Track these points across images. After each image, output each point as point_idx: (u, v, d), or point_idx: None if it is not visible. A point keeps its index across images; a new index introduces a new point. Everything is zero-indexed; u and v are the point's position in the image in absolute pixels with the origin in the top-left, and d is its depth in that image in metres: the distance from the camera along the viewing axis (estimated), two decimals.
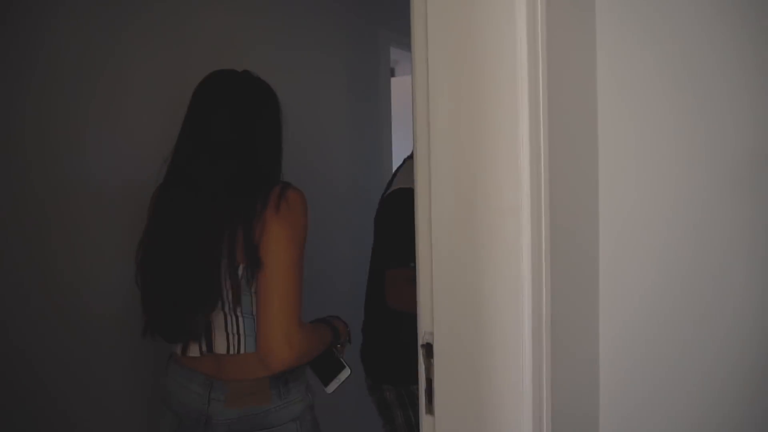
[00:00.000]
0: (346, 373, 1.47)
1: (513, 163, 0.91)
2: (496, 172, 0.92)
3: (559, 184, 0.92)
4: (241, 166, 1.34)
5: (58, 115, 1.67)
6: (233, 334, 1.34)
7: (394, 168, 2.87)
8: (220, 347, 1.35)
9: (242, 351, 1.35)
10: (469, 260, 0.95)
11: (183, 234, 1.33)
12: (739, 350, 1.06)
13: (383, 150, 2.68)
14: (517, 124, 0.90)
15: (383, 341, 1.99)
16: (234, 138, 1.34)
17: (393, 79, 2.85)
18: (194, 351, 1.37)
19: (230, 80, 1.40)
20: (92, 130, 1.75)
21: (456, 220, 0.96)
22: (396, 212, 1.80)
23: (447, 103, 0.97)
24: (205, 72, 1.42)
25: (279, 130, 1.44)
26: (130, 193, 1.71)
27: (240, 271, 1.30)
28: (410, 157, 1.94)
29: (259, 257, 1.28)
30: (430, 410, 1.00)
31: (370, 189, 2.64)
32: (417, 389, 1.05)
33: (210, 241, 1.29)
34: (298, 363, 1.33)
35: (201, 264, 1.30)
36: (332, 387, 1.47)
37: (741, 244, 1.06)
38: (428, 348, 1.02)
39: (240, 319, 1.34)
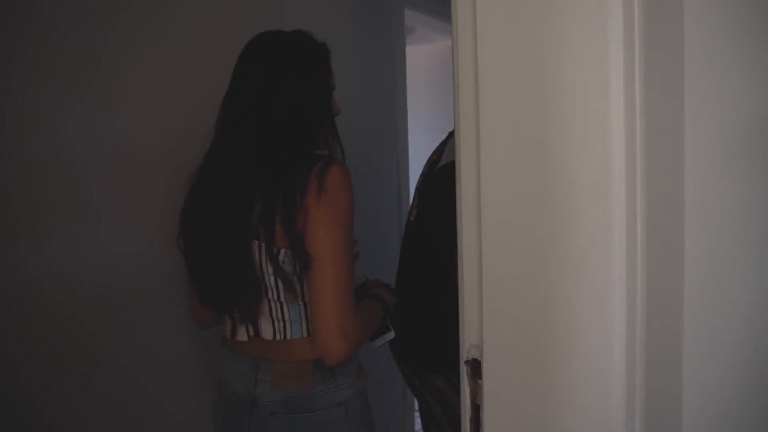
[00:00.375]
0: (391, 335, 1.51)
1: (599, 119, 0.66)
2: (574, 130, 0.68)
3: (654, 151, 0.67)
4: (287, 138, 1.27)
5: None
6: (278, 320, 1.32)
7: (411, 145, 2.64)
8: (266, 333, 1.33)
9: (288, 337, 1.32)
10: (533, 251, 0.70)
11: (217, 210, 1.29)
12: None
13: (398, 127, 2.43)
14: (608, 63, 0.65)
15: (430, 326, 1.75)
16: (285, 106, 1.28)
17: (409, 48, 2.59)
18: (242, 335, 1.36)
19: (276, 41, 1.33)
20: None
21: (515, 198, 0.72)
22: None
23: (501, 37, 0.72)
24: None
25: (330, 99, 1.36)
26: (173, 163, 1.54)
27: (281, 256, 1.25)
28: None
29: (306, 250, 1.22)
30: None
31: (383, 166, 2.40)
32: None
33: (241, 223, 1.25)
34: (356, 352, 1.31)
35: (233, 246, 1.27)
36: (377, 343, 1.51)
37: None
38: (474, 365, 0.78)
39: (285, 305, 1.31)
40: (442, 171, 1.65)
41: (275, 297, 1.30)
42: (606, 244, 0.66)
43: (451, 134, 1.76)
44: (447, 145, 1.72)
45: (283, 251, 1.24)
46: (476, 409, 0.78)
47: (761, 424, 0.70)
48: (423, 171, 1.82)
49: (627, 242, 0.66)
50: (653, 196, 0.66)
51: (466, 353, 0.79)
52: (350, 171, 1.26)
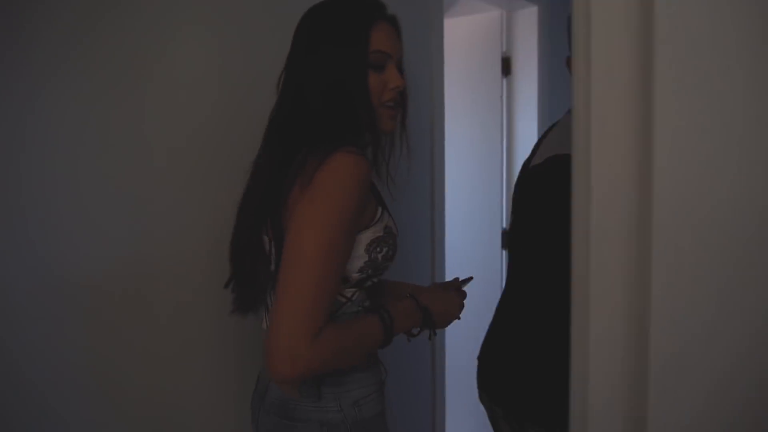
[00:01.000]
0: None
1: None
2: None
3: None
4: (314, 126, 1.14)
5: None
6: (269, 314, 1.24)
7: (449, 131, 2.34)
8: (265, 325, 1.27)
9: None
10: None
11: (243, 205, 1.24)
12: None
13: (435, 110, 2.14)
14: None
15: (536, 361, 1.39)
16: (308, 89, 1.14)
17: (449, 20, 2.30)
18: (265, 324, 1.28)
19: (321, 11, 1.19)
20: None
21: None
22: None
23: None
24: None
25: (363, 76, 1.15)
26: None
27: (268, 246, 1.18)
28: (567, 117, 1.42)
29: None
30: None
31: (421, 151, 2.12)
32: None
33: (254, 217, 1.19)
34: (310, 377, 1.14)
35: (245, 239, 1.21)
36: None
37: None
38: None
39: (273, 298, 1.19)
40: (538, 168, 1.34)
41: (270, 288, 1.21)
42: None
43: (552, 128, 1.43)
44: (544, 141, 1.40)
45: (270, 242, 1.17)
46: None
47: None
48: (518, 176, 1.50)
49: None
50: None
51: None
52: (364, 162, 1.06)
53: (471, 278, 1.39)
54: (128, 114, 1.35)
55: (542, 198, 1.33)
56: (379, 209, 1.15)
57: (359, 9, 1.15)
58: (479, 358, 1.53)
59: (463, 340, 2.19)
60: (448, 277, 2.27)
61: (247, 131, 1.36)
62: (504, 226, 2.80)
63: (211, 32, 1.49)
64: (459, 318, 1.31)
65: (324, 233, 1.02)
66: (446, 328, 1.47)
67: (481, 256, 2.79)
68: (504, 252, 2.81)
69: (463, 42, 2.72)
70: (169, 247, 1.43)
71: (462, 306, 1.30)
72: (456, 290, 1.33)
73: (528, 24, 2.68)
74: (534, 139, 2.69)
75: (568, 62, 1.40)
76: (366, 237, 1.11)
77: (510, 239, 1.47)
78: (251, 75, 1.52)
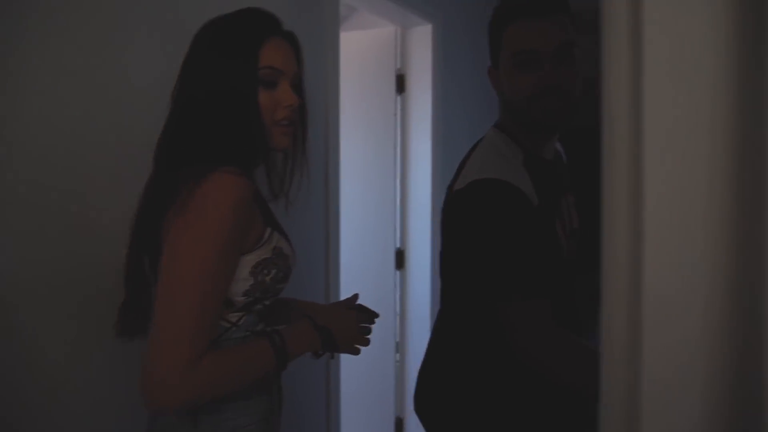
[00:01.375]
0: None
1: None
2: None
3: None
4: (197, 144, 1.11)
5: None
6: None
7: (344, 147, 2.28)
8: None
9: None
10: None
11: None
12: None
13: (330, 127, 2.06)
14: None
15: (467, 390, 1.37)
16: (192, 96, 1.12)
17: (344, 35, 2.24)
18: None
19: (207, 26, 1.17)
20: None
21: None
22: (502, 215, 1.24)
23: None
24: None
25: (252, 90, 1.13)
26: None
27: (146, 264, 1.15)
28: (482, 142, 1.40)
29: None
30: None
31: (316, 168, 2.03)
32: None
33: (139, 234, 1.16)
34: (186, 407, 1.07)
35: (133, 259, 1.18)
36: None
37: None
38: None
39: None
40: (461, 193, 1.30)
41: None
42: None
43: (473, 150, 1.40)
44: (466, 164, 1.36)
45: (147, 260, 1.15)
46: None
47: None
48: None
49: None
50: None
51: None
52: (243, 183, 1.03)
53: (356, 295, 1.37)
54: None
55: (465, 222, 1.31)
56: (268, 230, 1.11)
57: (252, 24, 1.13)
58: (417, 383, 1.51)
59: (356, 360, 2.13)
60: (343, 296, 2.22)
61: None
62: (398, 245, 2.77)
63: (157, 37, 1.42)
64: (366, 342, 1.26)
65: (198, 258, 1.00)
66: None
67: (374, 275, 2.74)
68: (398, 272, 2.77)
69: (357, 57, 2.67)
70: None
71: (357, 323, 1.25)
72: (357, 308, 1.28)
73: (422, 41, 2.67)
74: (428, 157, 2.69)
75: (491, 72, 1.39)
76: (250, 259, 1.08)
77: (439, 264, 1.46)
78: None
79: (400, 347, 2.67)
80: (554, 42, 1.25)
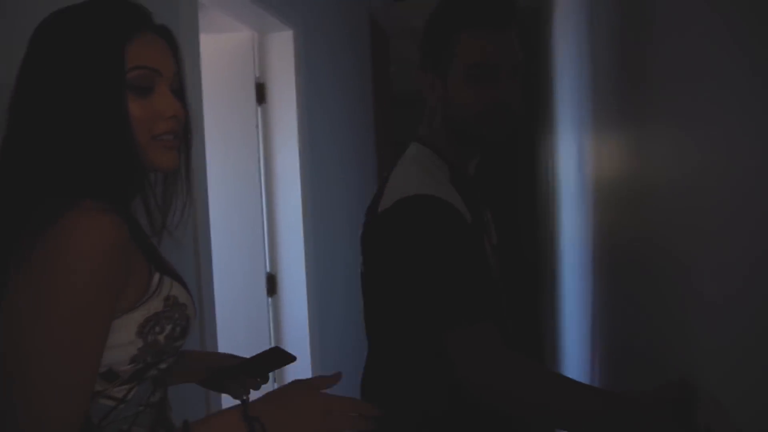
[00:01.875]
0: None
1: None
2: None
3: None
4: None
5: None
6: None
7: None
8: None
9: None
10: None
11: None
12: None
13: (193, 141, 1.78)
14: None
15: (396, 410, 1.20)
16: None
17: (203, 36, 1.96)
18: None
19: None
20: None
21: None
22: (437, 233, 1.14)
23: None
24: None
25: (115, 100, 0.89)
26: None
27: None
28: (416, 155, 1.29)
29: None
30: None
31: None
32: None
33: None
34: None
35: None
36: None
37: None
38: None
39: None
40: (388, 212, 1.20)
41: None
42: None
43: (394, 169, 1.29)
44: (388, 183, 1.25)
45: None
46: None
47: None
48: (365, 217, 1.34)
49: None
50: None
51: None
52: (112, 223, 0.83)
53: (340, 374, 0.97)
54: None
55: (395, 244, 1.20)
56: (156, 276, 0.91)
57: (113, 15, 0.90)
58: None
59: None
60: (219, 327, 1.99)
61: None
62: (268, 269, 2.55)
63: None
64: None
65: (47, 331, 0.80)
66: None
67: (245, 300, 2.51)
68: (269, 299, 2.56)
69: (211, 64, 2.41)
70: None
71: (325, 412, 0.88)
72: (323, 394, 0.91)
73: (283, 48, 2.49)
74: (297, 172, 2.53)
75: (423, 77, 1.27)
76: (136, 318, 0.88)
77: (363, 284, 1.33)
78: None
79: (278, 378, 2.46)
80: (514, 58, 1.19)
